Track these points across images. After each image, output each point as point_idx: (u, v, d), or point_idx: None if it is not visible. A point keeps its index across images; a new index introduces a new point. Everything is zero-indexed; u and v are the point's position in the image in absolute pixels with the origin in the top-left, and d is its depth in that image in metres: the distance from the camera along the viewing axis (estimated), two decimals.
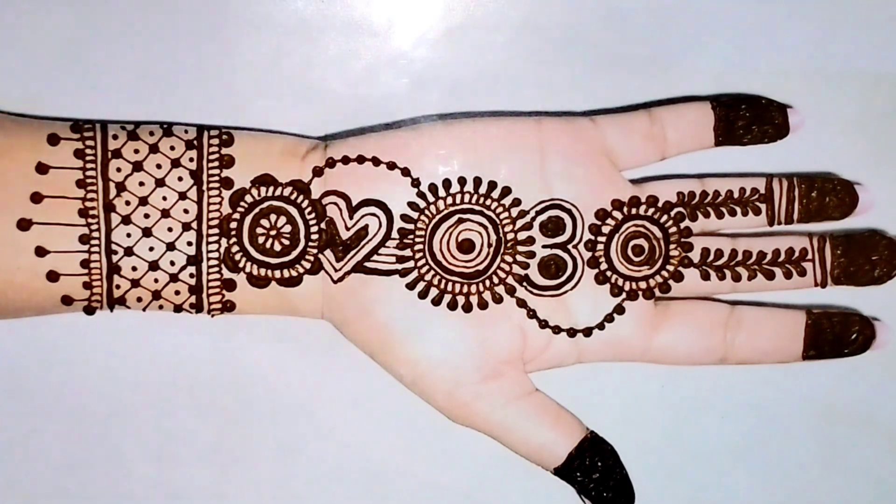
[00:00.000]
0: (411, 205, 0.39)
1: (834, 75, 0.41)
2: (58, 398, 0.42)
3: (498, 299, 0.39)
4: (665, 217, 0.40)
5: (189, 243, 0.38)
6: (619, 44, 0.41)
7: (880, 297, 0.40)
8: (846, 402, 0.43)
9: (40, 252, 0.37)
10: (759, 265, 0.40)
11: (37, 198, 0.37)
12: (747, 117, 0.39)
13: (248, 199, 0.38)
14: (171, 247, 0.38)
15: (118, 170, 0.38)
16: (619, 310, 0.40)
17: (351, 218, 0.39)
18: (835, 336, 0.40)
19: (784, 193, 0.39)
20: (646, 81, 0.41)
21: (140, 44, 0.41)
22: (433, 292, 0.39)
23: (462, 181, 0.39)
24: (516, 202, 0.39)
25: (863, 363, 0.40)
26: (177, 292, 0.38)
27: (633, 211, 0.39)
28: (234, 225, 0.38)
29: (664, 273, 0.40)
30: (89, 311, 0.38)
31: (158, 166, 0.38)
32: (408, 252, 0.39)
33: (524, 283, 0.39)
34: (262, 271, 0.38)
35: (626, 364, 0.40)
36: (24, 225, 0.37)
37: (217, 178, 0.38)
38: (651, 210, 0.40)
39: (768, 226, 0.40)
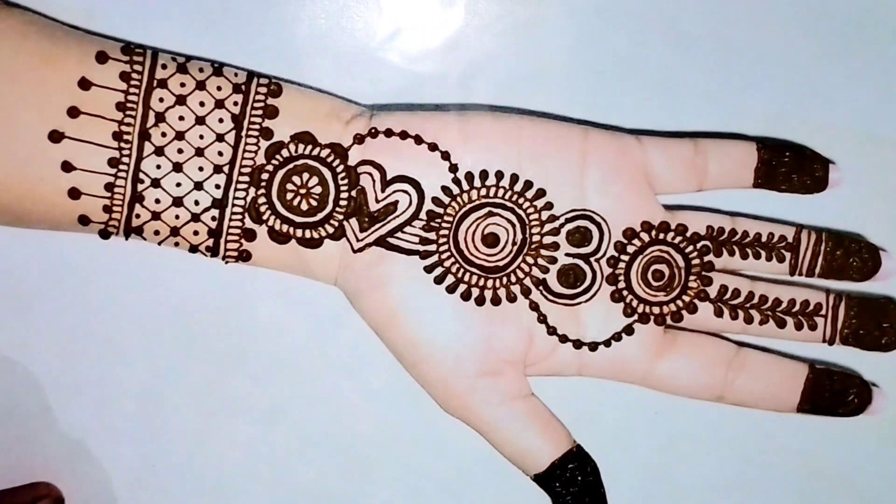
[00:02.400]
0: (445, 189, 0.39)
1: (881, 140, 0.41)
2: (55, 316, 0.42)
3: (512, 298, 0.39)
4: (691, 248, 0.40)
5: (217, 186, 0.38)
6: (678, 68, 0.41)
7: (883, 363, 0.41)
8: (831, 462, 0.43)
9: (66, 167, 0.37)
10: (773, 312, 0.40)
11: (74, 112, 0.37)
12: (790, 165, 0.39)
13: (285, 153, 0.38)
14: (198, 186, 0.38)
15: (161, 100, 0.37)
16: (629, 330, 0.40)
17: (383, 191, 0.38)
18: (832, 394, 0.40)
19: (811, 246, 0.40)
20: (697, 110, 0.41)
21: None
22: (449, 279, 0.39)
23: (499, 175, 0.39)
24: (548, 206, 0.39)
25: (853, 426, 0.40)
26: (195, 232, 0.38)
27: (661, 236, 0.39)
28: (265, 176, 0.38)
29: (679, 302, 0.40)
30: (105, 234, 0.38)
31: (202, 104, 0.38)
32: (432, 235, 0.39)
33: (540, 287, 0.39)
34: (285, 227, 0.38)
35: (625, 385, 0.40)
36: (55, 137, 0.36)
37: (258, 126, 0.38)
38: (678, 238, 0.40)
39: (789, 275, 0.40)
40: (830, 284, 0.41)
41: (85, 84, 0.37)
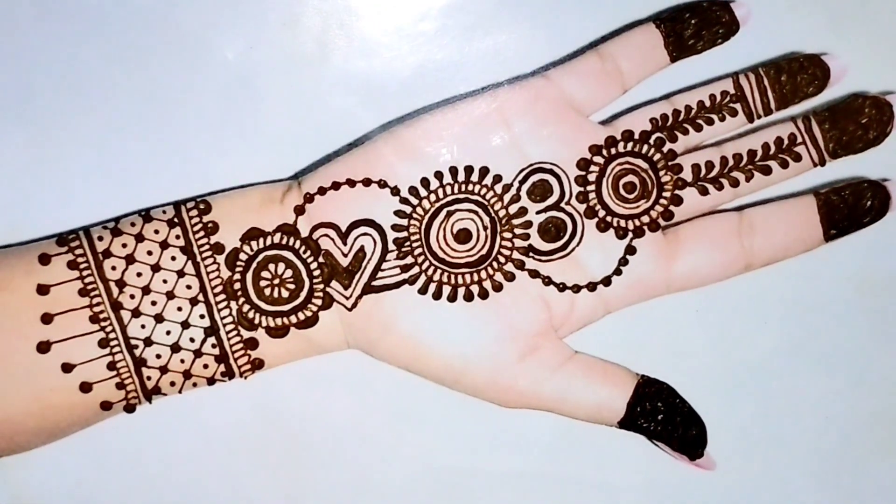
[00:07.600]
0: (398, 213, 0.39)
1: None
2: (129, 491, 0.43)
3: (510, 278, 0.39)
4: (646, 147, 0.39)
5: (202, 316, 0.39)
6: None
7: (882, 158, 0.39)
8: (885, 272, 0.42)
9: (66, 368, 0.38)
10: (753, 164, 0.39)
11: (46, 318, 0.38)
12: (694, 24, 0.38)
13: (243, 256, 0.39)
14: (185, 325, 0.39)
15: (113, 268, 0.38)
16: (630, 250, 0.39)
17: (345, 244, 0.39)
18: (849, 208, 0.39)
19: (754, 87, 0.39)
20: (583, 22, 0.40)
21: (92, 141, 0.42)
22: (446, 290, 0.39)
23: (439, 175, 0.39)
24: (497, 178, 0.39)
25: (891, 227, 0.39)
26: (205, 366, 0.39)
27: (613, 151, 0.39)
28: (237, 286, 0.39)
29: (662, 201, 0.39)
30: (129, 409, 0.39)
31: (149, 253, 0.39)
32: (409, 259, 0.39)
33: (530, 254, 0.39)
34: (279, 321, 0.39)
35: (655, 301, 0.40)
36: (43, 348, 0.38)
37: (207, 246, 0.39)
38: (630, 144, 0.39)
39: (749, 123, 0.39)
40: (794, 112, 0.40)
41: (42, 289, 0.38)
